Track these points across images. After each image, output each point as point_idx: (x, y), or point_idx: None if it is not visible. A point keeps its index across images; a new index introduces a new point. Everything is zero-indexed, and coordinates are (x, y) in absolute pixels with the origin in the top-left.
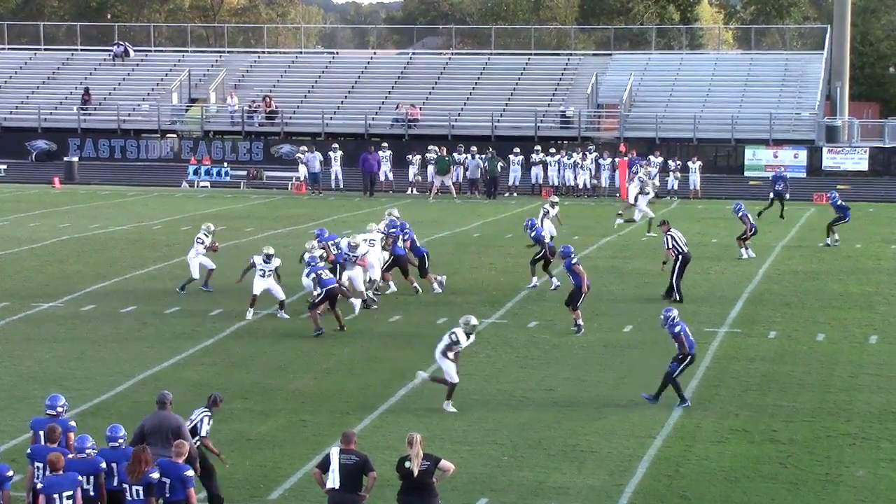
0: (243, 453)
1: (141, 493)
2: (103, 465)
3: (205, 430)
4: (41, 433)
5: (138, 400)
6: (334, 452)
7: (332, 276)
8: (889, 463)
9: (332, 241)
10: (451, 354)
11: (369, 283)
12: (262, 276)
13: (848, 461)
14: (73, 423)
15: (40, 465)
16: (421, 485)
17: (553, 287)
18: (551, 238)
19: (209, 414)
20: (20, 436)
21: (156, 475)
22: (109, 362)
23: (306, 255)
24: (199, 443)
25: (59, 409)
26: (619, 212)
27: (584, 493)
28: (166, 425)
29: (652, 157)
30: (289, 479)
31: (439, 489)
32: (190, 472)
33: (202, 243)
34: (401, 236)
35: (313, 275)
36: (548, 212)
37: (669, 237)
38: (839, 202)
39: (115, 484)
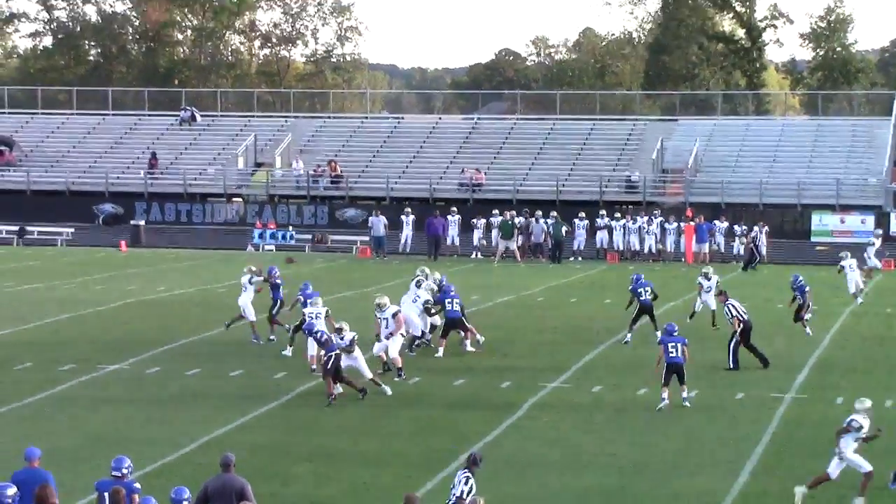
0: None
1: None
2: None
3: (459, 489)
4: (106, 495)
5: (201, 462)
6: None
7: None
8: None
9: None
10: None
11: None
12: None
13: None
14: (137, 486)
15: None
16: None
17: (625, 341)
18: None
19: (468, 474)
20: (85, 497)
21: None
22: (173, 424)
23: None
24: None
25: (125, 471)
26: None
27: None
28: (230, 487)
29: (717, 222)
30: None
31: None
32: None
33: (252, 283)
34: (448, 300)
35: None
36: (702, 285)
37: (731, 306)
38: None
39: None
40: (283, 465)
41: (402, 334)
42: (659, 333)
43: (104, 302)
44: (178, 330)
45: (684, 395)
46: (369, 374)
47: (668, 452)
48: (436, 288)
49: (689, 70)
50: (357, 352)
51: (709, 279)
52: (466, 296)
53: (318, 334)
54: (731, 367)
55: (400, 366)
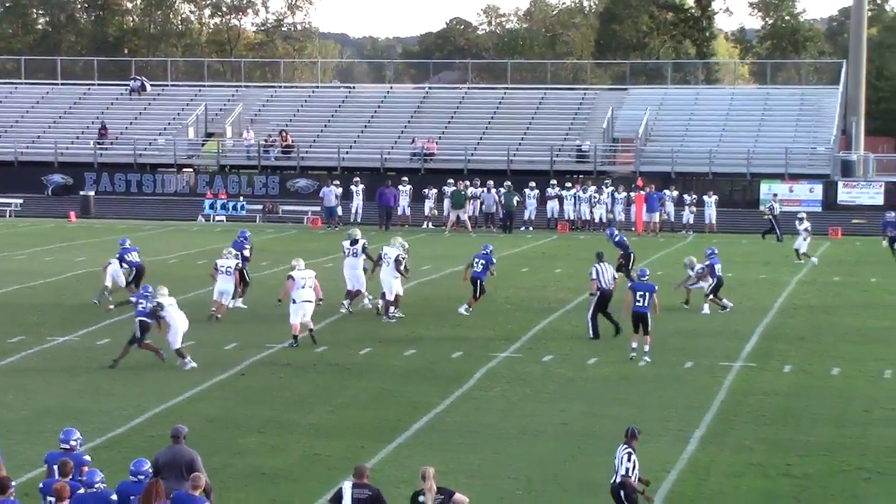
0: (258, 487)
1: None
2: (114, 497)
3: (624, 467)
4: (55, 467)
5: (153, 434)
6: (347, 486)
7: None
8: None
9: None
10: None
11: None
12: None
13: (862, 496)
14: (87, 458)
15: (52, 499)
16: None
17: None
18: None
19: (630, 450)
20: (34, 470)
21: None
22: (124, 396)
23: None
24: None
25: (73, 443)
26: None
27: None
28: (180, 459)
29: (666, 191)
30: None
31: None
32: None
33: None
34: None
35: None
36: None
37: (595, 269)
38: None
39: None
40: (233, 437)
41: (318, 302)
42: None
43: (53, 273)
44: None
45: (647, 347)
46: (177, 345)
47: (618, 421)
48: (406, 247)
49: (640, 39)
50: (169, 318)
51: (692, 268)
52: (417, 265)
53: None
54: (592, 336)
55: (312, 327)
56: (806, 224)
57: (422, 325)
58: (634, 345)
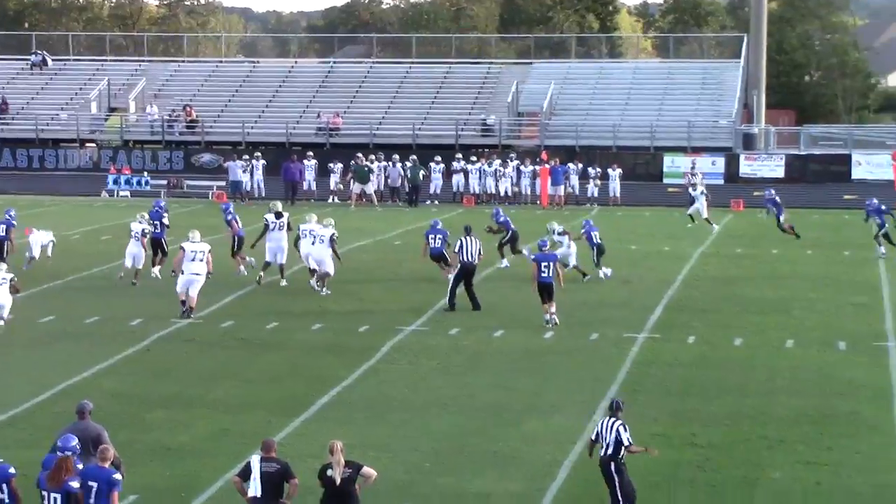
0: (164, 463)
1: (59, 501)
2: (12, 470)
3: (624, 437)
4: None
5: (58, 410)
6: (255, 460)
7: None
8: (805, 465)
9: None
10: None
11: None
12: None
13: (765, 464)
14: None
15: None
16: (343, 492)
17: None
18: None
19: (621, 422)
20: None
21: (76, 484)
22: (27, 373)
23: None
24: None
25: None
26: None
27: (505, 498)
28: (86, 435)
29: (571, 164)
30: (210, 488)
31: (361, 496)
32: (118, 476)
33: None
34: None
35: None
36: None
37: (460, 242)
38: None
39: None
40: (139, 412)
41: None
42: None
43: None
44: (31, 277)
45: (552, 311)
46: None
47: (524, 393)
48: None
49: (544, 14)
50: None
51: (557, 233)
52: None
53: None
54: (448, 307)
55: (193, 305)
56: (701, 188)
57: (329, 300)
58: (547, 316)
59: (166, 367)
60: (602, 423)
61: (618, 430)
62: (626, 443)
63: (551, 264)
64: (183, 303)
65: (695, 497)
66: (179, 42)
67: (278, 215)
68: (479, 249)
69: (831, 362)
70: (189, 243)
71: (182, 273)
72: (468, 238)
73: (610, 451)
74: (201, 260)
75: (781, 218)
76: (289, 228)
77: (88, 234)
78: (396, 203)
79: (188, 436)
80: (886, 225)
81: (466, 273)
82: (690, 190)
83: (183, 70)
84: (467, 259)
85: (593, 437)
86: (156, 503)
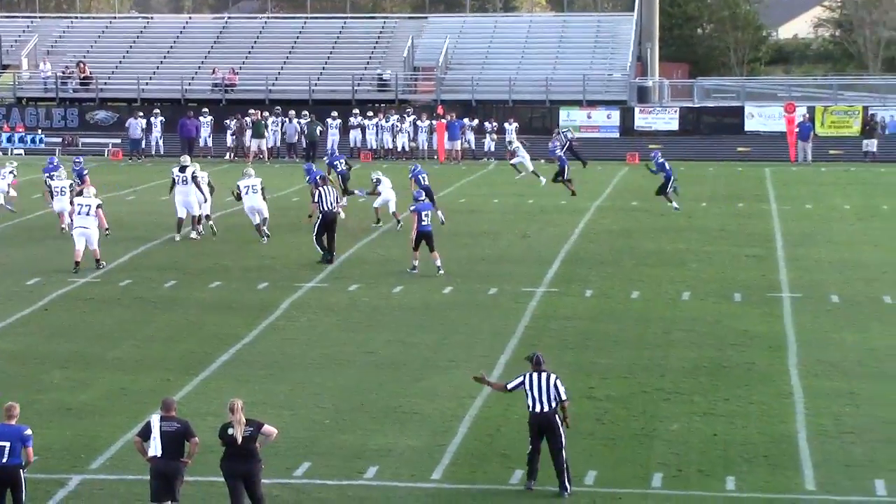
0: (63, 423)
1: None
2: None
3: (563, 392)
4: None
5: None
6: (155, 420)
7: None
8: (702, 417)
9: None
10: None
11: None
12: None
13: (662, 416)
14: None
15: None
16: (244, 451)
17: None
18: None
19: (554, 376)
20: None
21: None
22: None
23: None
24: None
25: None
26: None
27: (406, 454)
28: None
29: (467, 120)
30: (110, 448)
31: (263, 454)
32: (28, 431)
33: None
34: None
35: None
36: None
37: (318, 192)
38: (660, 160)
39: None
40: (37, 373)
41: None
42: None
43: None
44: None
45: (438, 262)
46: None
47: (423, 349)
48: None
49: None
50: None
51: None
52: (222, 197)
53: None
54: (322, 260)
55: (97, 257)
56: (516, 144)
57: (226, 257)
58: (416, 262)
59: (64, 327)
60: (530, 378)
61: (556, 385)
62: (563, 397)
63: (430, 213)
64: (76, 263)
65: (593, 450)
66: None
67: (182, 169)
68: (337, 198)
69: (727, 314)
70: (78, 197)
71: (75, 227)
72: (325, 188)
73: (553, 405)
74: (90, 214)
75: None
76: (196, 184)
77: None
78: (294, 159)
79: (87, 395)
80: (673, 179)
81: (327, 221)
82: (508, 145)
83: (76, 26)
84: (327, 208)
85: (511, 387)
86: (56, 463)
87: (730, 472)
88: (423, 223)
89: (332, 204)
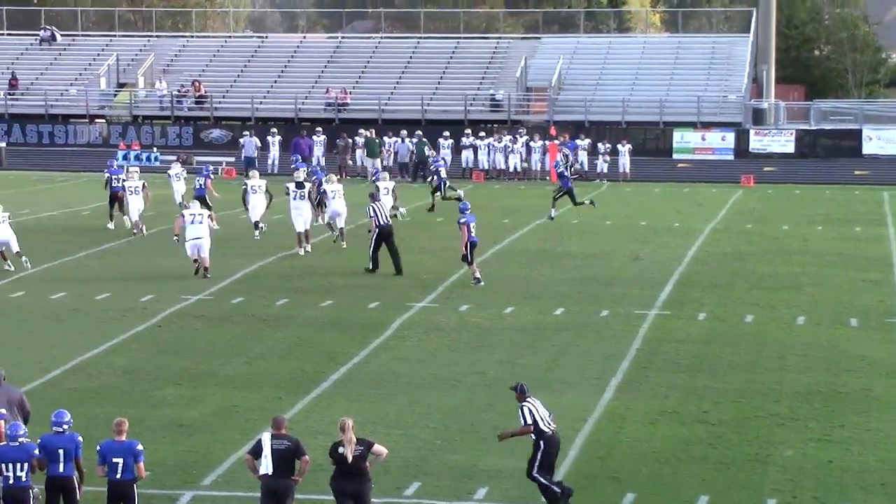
0: (175, 439)
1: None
2: (37, 451)
3: (546, 414)
4: None
5: (69, 387)
6: (266, 437)
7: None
8: (817, 443)
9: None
10: None
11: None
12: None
13: (776, 441)
14: (3, 411)
15: None
16: (354, 469)
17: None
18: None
19: (531, 402)
20: None
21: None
22: (39, 349)
23: None
24: None
25: None
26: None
27: (516, 475)
28: (12, 399)
29: (579, 141)
30: (221, 464)
31: (372, 473)
32: (140, 447)
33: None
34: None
35: None
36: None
37: (372, 208)
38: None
39: (61, 470)
40: (150, 389)
41: None
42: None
43: None
44: (42, 253)
45: (477, 274)
46: None
47: (534, 370)
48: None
49: None
50: None
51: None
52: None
53: None
54: (371, 268)
55: (207, 266)
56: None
57: (338, 276)
58: (478, 274)
59: (177, 344)
60: (535, 406)
61: (538, 412)
62: (547, 420)
63: (475, 225)
64: (197, 269)
65: (706, 474)
66: (188, 17)
67: (299, 185)
68: (391, 212)
69: (843, 339)
70: (188, 210)
71: (186, 240)
72: (376, 204)
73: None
74: (200, 223)
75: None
76: (309, 199)
77: (98, 209)
78: (405, 178)
79: (199, 412)
80: (569, 188)
81: (384, 235)
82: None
83: (191, 45)
84: (383, 222)
85: (530, 422)
86: (168, 479)
87: (845, 499)
88: (472, 235)
89: (387, 218)
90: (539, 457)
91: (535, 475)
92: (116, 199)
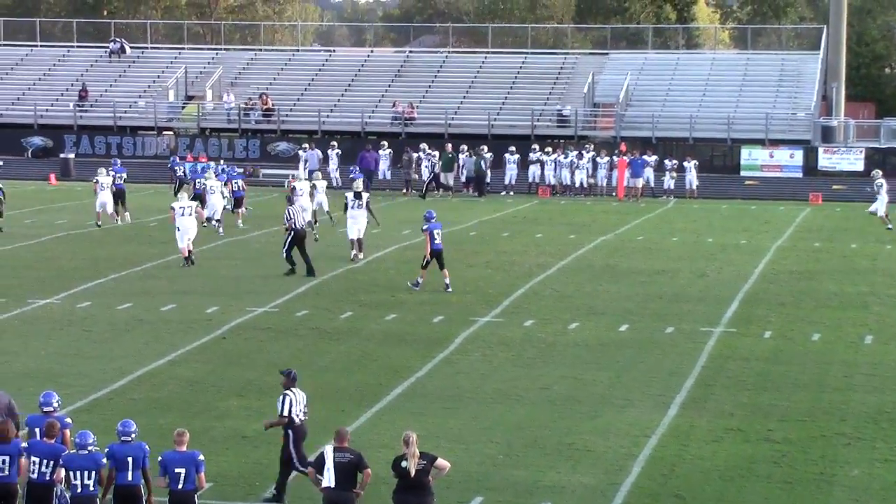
0: (239, 451)
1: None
2: (104, 461)
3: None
4: (37, 430)
5: (134, 397)
6: (328, 450)
7: None
8: (884, 463)
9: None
10: None
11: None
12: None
13: (843, 461)
14: (69, 420)
15: (37, 459)
16: (417, 483)
17: None
18: None
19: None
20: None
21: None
22: (105, 359)
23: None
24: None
25: (55, 405)
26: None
27: (578, 492)
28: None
29: (646, 156)
30: None
31: (435, 487)
32: (201, 457)
33: None
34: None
35: None
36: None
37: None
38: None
39: (130, 479)
40: (214, 400)
41: None
42: None
43: (34, 236)
44: (109, 264)
45: (447, 280)
46: None
47: (598, 386)
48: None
49: (620, 4)
50: None
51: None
52: (398, 230)
53: None
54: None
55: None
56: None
57: (403, 289)
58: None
59: (241, 356)
60: (296, 396)
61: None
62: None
63: (440, 232)
64: (186, 258)
65: (771, 493)
66: (256, 30)
67: (357, 195)
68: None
69: None
70: (177, 203)
71: (178, 229)
72: (293, 207)
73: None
74: (190, 215)
75: None
76: (368, 209)
77: (165, 221)
78: (470, 192)
79: (262, 424)
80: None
81: (299, 238)
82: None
83: (259, 58)
84: (299, 225)
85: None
86: (231, 491)
87: None
88: (436, 241)
89: (304, 221)
90: (292, 447)
91: (297, 465)
92: (198, 199)
